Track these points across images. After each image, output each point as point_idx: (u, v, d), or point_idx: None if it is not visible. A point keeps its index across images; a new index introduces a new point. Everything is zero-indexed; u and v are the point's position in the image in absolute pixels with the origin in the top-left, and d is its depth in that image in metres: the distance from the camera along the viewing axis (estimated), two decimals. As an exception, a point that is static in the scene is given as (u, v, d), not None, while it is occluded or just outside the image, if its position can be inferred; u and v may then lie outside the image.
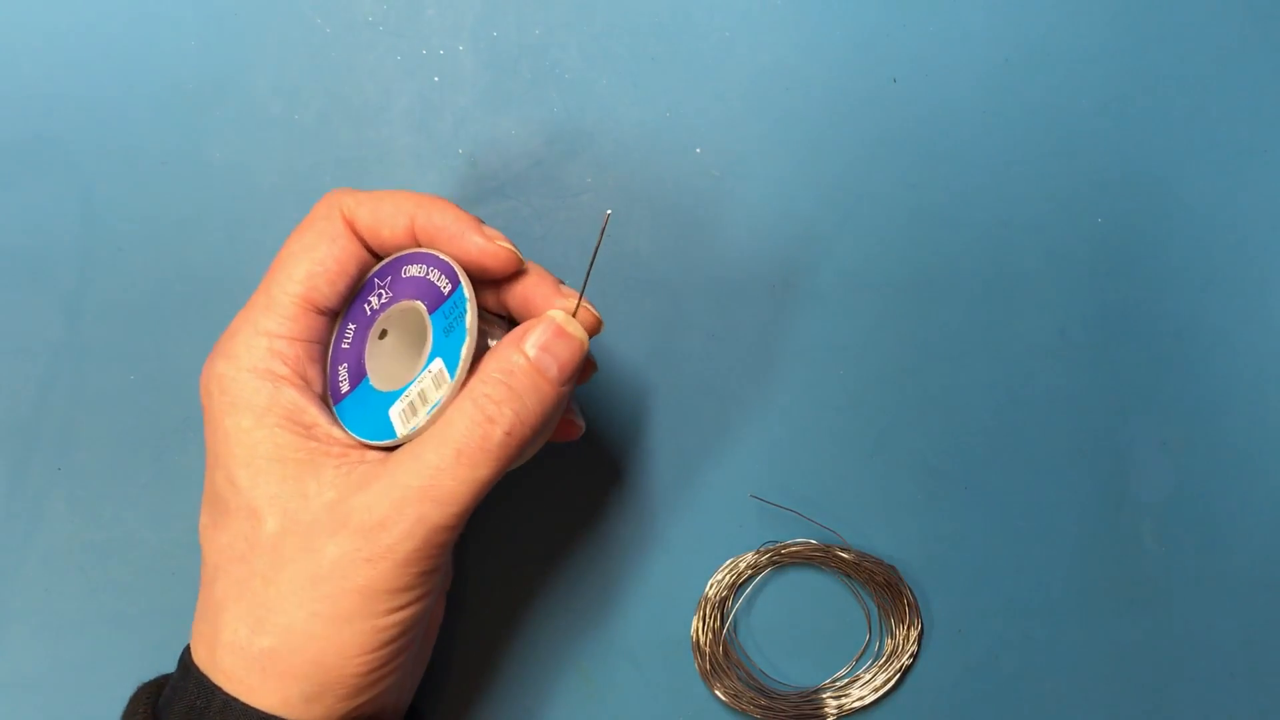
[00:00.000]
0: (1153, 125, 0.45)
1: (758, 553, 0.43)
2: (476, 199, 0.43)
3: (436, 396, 0.33)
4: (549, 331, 0.34)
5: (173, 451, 0.42)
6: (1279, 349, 0.45)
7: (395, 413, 0.34)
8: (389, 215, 0.35)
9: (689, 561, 0.43)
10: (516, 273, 0.35)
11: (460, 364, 0.33)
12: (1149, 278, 0.45)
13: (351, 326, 0.35)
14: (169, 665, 0.37)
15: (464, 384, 0.33)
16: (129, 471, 0.42)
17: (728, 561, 0.43)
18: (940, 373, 0.44)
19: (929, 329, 0.44)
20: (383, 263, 0.36)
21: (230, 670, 0.32)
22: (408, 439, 0.33)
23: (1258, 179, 0.45)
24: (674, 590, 0.43)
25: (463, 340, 0.33)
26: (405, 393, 0.34)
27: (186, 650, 0.34)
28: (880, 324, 0.44)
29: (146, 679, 0.36)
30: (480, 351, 0.34)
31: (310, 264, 0.34)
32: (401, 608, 0.33)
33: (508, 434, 0.32)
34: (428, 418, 0.33)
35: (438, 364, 0.33)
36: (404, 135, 0.43)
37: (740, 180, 0.44)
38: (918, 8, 0.44)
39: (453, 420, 0.32)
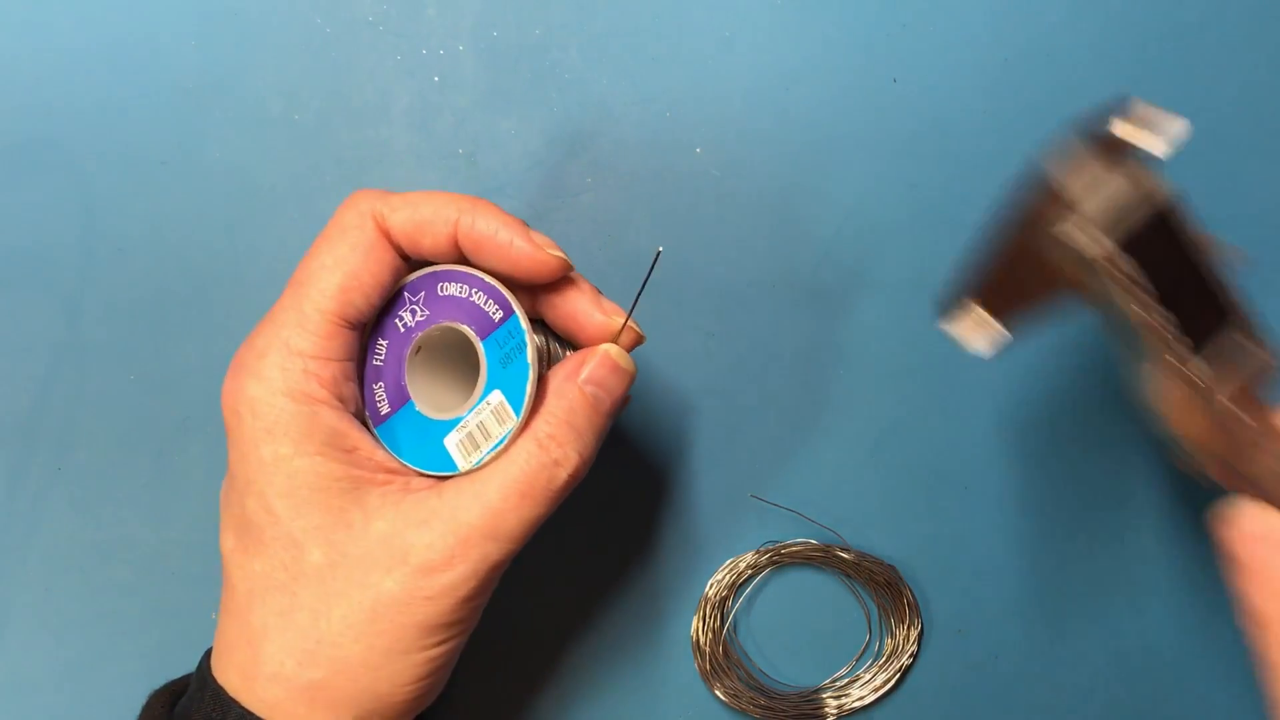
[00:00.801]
0: (1153, 125, 0.45)
1: (758, 553, 0.43)
2: (476, 199, 0.43)
3: (501, 432, 0.33)
4: (604, 367, 0.34)
5: (173, 451, 0.42)
6: (1278, 349, 0.45)
7: (453, 444, 0.34)
8: (429, 222, 0.33)
9: (689, 561, 0.43)
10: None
11: (526, 401, 0.33)
12: (1149, 278, 0.45)
13: (383, 342, 0.35)
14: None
15: (528, 422, 0.33)
16: (129, 471, 0.42)
17: (728, 561, 0.43)
18: (940, 373, 0.44)
19: (929, 329, 0.44)
20: (414, 276, 0.34)
21: (274, 701, 0.32)
22: (468, 473, 0.33)
23: (1258, 179, 0.45)
24: (674, 590, 0.43)
25: (526, 376, 0.33)
26: (462, 423, 0.34)
27: (204, 662, 0.34)
28: (880, 324, 0.44)
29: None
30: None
31: (344, 278, 0.32)
32: (454, 636, 0.33)
33: (571, 476, 0.33)
34: (492, 454, 0.33)
35: (497, 396, 0.33)
36: (404, 135, 0.43)
37: (740, 180, 0.44)
38: (918, 8, 0.44)
39: (516, 459, 0.33)
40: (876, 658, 0.44)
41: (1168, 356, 0.32)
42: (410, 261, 0.35)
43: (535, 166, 0.44)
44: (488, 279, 0.34)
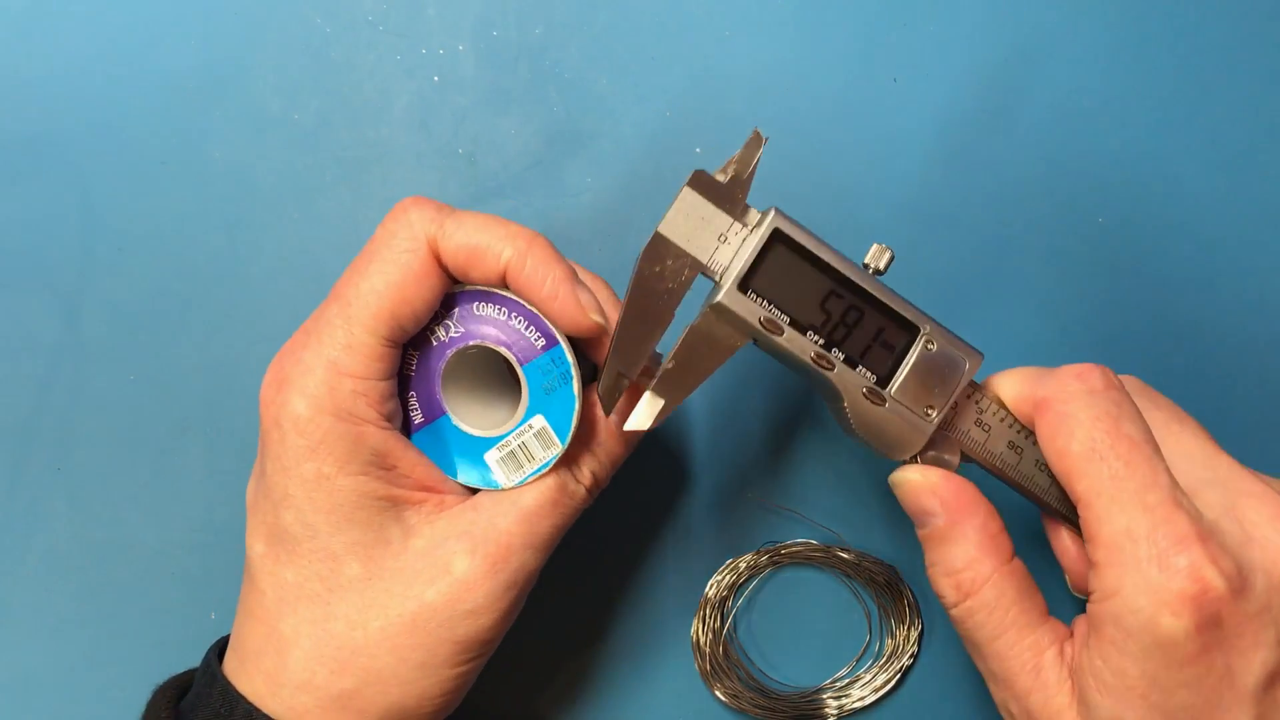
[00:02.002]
0: (1153, 125, 0.45)
1: (758, 553, 0.43)
2: (476, 199, 0.43)
3: (545, 456, 0.34)
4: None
5: (173, 451, 0.42)
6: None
7: (493, 461, 0.35)
8: (482, 254, 0.33)
9: (689, 561, 0.43)
10: None
11: (571, 431, 0.34)
12: (1149, 277, 0.45)
13: (414, 354, 0.35)
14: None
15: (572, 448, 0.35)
16: (129, 471, 0.42)
17: (728, 561, 0.43)
18: (940, 373, 0.44)
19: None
20: (450, 291, 0.35)
21: (302, 708, 0.32)
22: (509, 490, 0.34)
23: (1258, 178, 0.45)
24: (674, 590, 0.43)
25: (572, 408, 0.34)
26: (503, 442, 0.34)
27: (211, 658, 0.34)
28: (880, 324, 0.44)
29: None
30: None
31: (396, 303, 0.32)
32: (481, 656, 0.34)
33: (590, 491, 0.35)
34: (535, 475, 0.34)
35: (540, 421, 0.34)
36: (404, 135, 0.43)
37: (740, 180, 0.44)
38: (918, 8, 0.44)
39: (546, 474, 0.34)
40: (876, 658, 0.44)
41: (831, 374, 0.33)
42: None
43: (535, 166, 0.44)
44: (528, 306, 0.34)
